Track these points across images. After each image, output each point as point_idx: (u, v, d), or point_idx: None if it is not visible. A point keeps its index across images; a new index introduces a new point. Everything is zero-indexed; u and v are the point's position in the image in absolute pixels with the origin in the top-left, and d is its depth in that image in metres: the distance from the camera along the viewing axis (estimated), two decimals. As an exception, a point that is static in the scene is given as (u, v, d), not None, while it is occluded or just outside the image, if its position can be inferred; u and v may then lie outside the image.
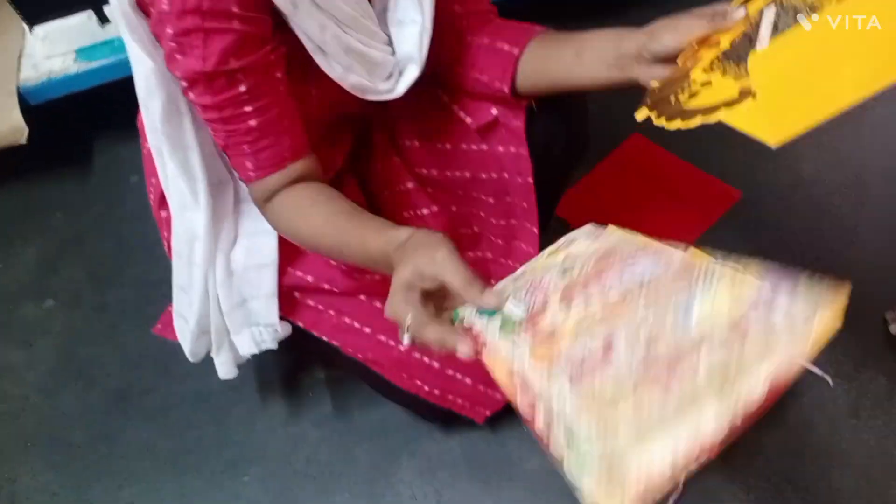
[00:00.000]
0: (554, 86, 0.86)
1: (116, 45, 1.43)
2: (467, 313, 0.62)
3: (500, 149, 0.96)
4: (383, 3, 0.83)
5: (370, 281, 0.95)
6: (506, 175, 0.97)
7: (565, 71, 0.83)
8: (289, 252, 0.93)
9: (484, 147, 0.96)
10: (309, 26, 0.74)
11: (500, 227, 1.01)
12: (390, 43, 0.84)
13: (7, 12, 1.42)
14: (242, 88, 0.72)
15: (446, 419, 1.07)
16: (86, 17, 1.41)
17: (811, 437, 1.01)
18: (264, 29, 0.72)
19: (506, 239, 1.01)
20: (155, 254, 1.09)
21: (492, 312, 0.61)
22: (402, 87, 0.85)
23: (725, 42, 0.70)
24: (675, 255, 0.65)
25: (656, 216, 1.21)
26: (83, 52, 1.43)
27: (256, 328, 0.97)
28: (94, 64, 1.41)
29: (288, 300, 0.96)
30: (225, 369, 1.02)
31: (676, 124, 0.64)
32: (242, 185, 0.88)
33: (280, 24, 0.73)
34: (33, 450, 1.22)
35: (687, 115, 0.64)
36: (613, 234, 0.70)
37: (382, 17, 0.83)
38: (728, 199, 1.26)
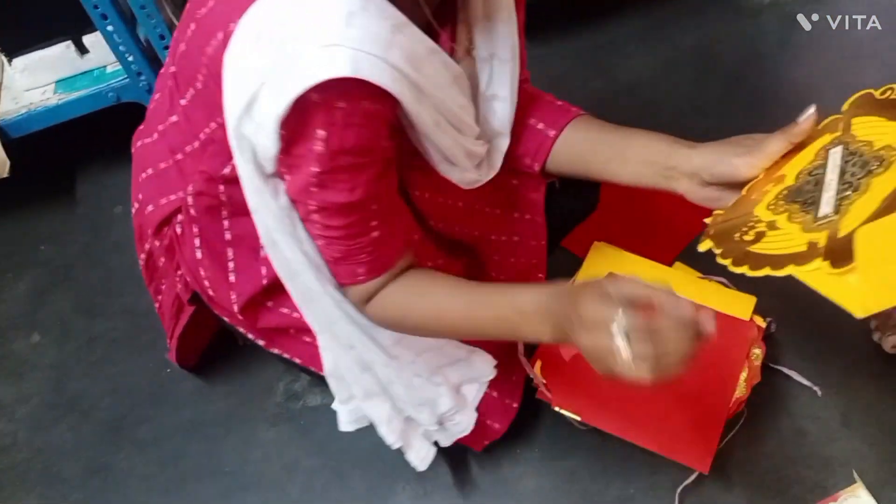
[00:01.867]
0: (588, 175, 0.87)
1: (96, 76, 1.43)
2: None
3: (516, 215, 0.97)
4: (473, 82, 0.81)
5: None
6: (516, 238, 0.98)
7: (604, 165, 0.85)
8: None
9: (498, 212, 0.96)
10: (443, 143, 0.74)
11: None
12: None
13: (-15, 45, 1.41)
14: (374, 207, 0.71)
15: (440, 447, 1.07)
16: (65, 48, 1.41)
17: (806, 446, 1.01)
18: (395, 150, 0.72)
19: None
20: (143, 283, 1.08)
21: None
22: (497, 163, 0.86)
23: (791, 176, 0.71)
24: None
25: (647, 238, 1.20)
26: (63, 84, 1.43)
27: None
28: (74, 95, 1.41)
29: (284, 335, 0.96)
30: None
31: (743, 270, 0.65)
32: None
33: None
34: (25, 485, 1.22)
35: (754, 262, 0.65)
36: None
37: (473, 97, 0.82)
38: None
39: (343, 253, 0.74)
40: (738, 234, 0.69)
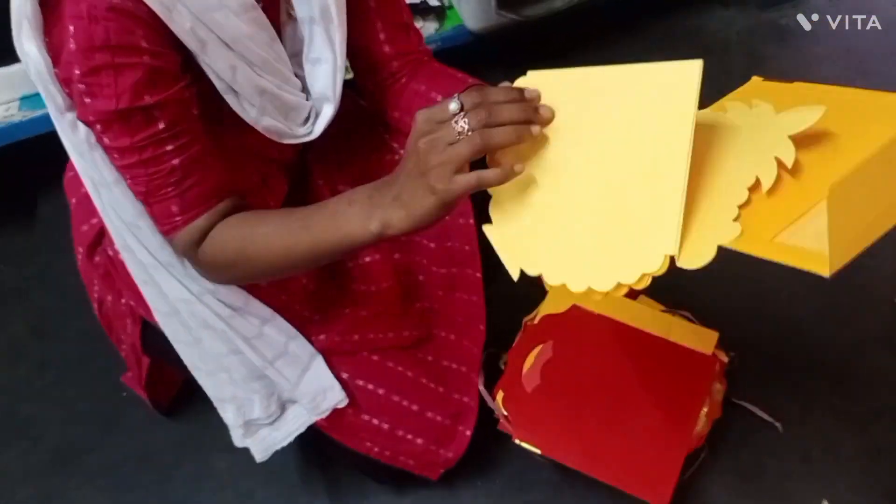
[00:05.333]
0: None
1: (62, 94, 1.41)
2: None
3: None
4: (296, 45, 0.82)
5: None
6: (447, 217, 0.97)
7: None
8: None
9: None
10: (219, 65, 0.72)
11: (442, 275, 0.99)
12: (304, 88, 0.83)
13: (-51, 60, 1.39)
14: (161, 126, 0.70)
15: (398, 481, 1.05)
16: (30, 65, 1.39)
17: (763, 483, 1.00)
18: (174, 65, 0.70)
19: (446, 290, 0.99)
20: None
21: None
22: (318, 128, 0.84)
23: None
24: None
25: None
26: (28, 101, 1.41)
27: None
28: (39, 112, 1.39)
29: None
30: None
31: None
32: None
33: (190, 63, 0.71)
34: (-30, 513, 1.17)
35: None
36: None
37: (296, 60, 0.82)
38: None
39: (146, 185, 0.72)
40: None
